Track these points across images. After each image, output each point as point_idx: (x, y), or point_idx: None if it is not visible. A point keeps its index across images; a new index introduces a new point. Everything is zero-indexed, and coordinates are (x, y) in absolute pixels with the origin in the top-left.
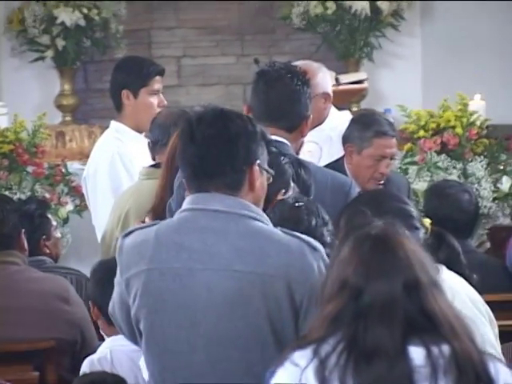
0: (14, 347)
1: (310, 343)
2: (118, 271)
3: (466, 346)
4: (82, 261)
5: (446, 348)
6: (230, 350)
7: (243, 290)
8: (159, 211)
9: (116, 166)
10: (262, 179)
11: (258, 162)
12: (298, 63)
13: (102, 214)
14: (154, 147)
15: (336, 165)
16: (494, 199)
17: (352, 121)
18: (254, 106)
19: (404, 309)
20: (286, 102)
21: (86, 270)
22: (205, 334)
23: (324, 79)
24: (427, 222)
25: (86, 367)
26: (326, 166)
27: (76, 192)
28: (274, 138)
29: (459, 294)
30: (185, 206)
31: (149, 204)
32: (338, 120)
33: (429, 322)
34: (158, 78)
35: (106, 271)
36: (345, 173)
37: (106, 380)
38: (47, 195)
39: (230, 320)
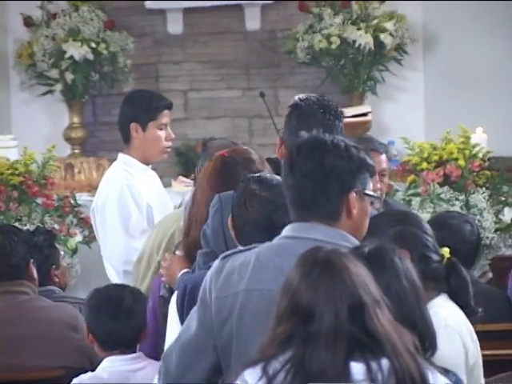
0: (24, 376)
1: (260, 361)
2: (204, 294)
3: (406, 360)
4: (90, 291)
5: (385, 363)
6: None
7: None
8: (189, 245)
9: (125, 197)
10: (362, 205)
11: (355, 189)
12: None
13: (110, 245)
14: None
15: None
16: (496, 230)
17: None
18: (288, 141)
19: (348, 331)
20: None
21: None
22: None
23: None
24: (446, 251)
25: None
26: None
27: (85, 223)
28: None
29: (452, 327)
30: (286, 233)
31: None
32: None
33: (372, 340)
34: (166, 112)
35: (101, 298)
36: None
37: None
38: (56, 226)
39: None
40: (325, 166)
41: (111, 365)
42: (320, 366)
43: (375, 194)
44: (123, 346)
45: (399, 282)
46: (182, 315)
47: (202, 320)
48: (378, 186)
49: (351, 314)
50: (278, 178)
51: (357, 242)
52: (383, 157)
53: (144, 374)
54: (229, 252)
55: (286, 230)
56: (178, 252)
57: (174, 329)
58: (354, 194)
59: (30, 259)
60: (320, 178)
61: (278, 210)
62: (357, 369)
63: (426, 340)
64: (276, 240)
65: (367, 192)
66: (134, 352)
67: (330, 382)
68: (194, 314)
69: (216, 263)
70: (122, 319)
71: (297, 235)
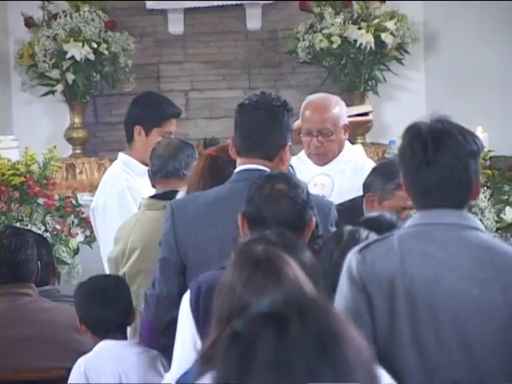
0: (26, 376)
1: (209, 370)
2: (351, 283)
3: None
4: None
5: None
6: (476, 352)
7: (487, 297)
8: None
9: (126, 199)
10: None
11: (477, 179)
12: (316, 96)
13: (110, 246)
14: (154, 177)
15: (353, 203)
16: (497, 229)
17: (374, 170)
18: (235, 139)
19: None
20: (260, 133)
21: None
22: (451, 338)
23: (343, 111)
24: None
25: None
26: (343, 203)
27: (86, 223)
28: (253, 166)
29: None
30: (417, 221)
31: (151, 235)
32: (351, 154)
33: None
34: (173, 120)
35: (88, 290)
36: (362, 213)
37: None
38: (58, 226)
39: (477, 325)
40: (460, 156)
41: (105, 346)
42: None
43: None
44: (114, 330)
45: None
46: (198, 315)
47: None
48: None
49: None
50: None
51: (481, 224)
52: None
53: (138, 359)
54: (364, 244)
55: (416, 218)
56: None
57: (186, 326)
58: (477, 183)
59: (38, 262)
60: (458, 170)
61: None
62: None
63: None
64: (407, 228)
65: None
66: (125, 335)
67: None
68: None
69: (355, 255)
70: (109, 305)
71: (429, 221)
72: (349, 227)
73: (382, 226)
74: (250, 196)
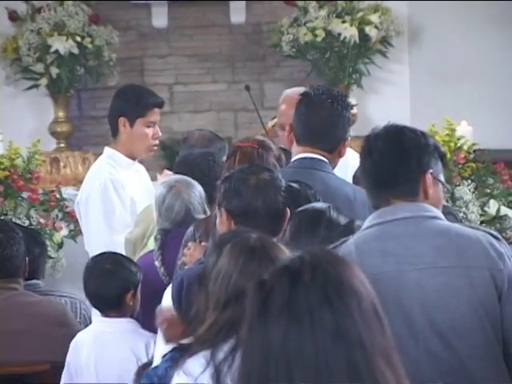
0: (11, 370)
1: (202, 350)
2: None
3: None
4: (76, 285)
5: None
6: (451, 338)
7: (451, 283)
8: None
9: (109, 192)
10: (436, 189)
11: (431, 171)
12: (293, 90)
13: (94, 239)
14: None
15: None
16: (482, 222)
17: None
18: (296, 127)
19: None
20: (325, 126)
21: (81, 294)
22: (424, 328)
23: None
24: None
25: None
26: None
27: (70, 217)
28: (315, 156)
29: None
30: (373, 221)
31: None
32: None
33: None
34: (156, 110)
35: (88, 268)
36: None
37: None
38: (42, 220)
39: (445, 312)
40: (404, 145)
41: (94, 323)
42: None
43: (446, 184)
44: (108, 307)
45: None
46: (180, 308)
47: None
48: None
49: None
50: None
51: (439, 212)
52: None
53: (117, 341)
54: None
55: (372, 218)
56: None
57: None
58: (430, 176)
59: (26, 257)
60: (399, 157)
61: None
62: None
63: None
64: (365, 230)
65: (440, 179)
66: (121, 312)
67: None
68: None
69: None
70: (105, 281)
71: (384, 220)
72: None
73: (298, 199)
74: (236, 190)
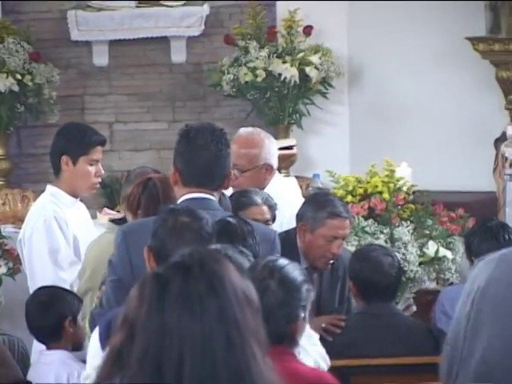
0: None
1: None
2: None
3: None
4: (14, 323)
5: None
6: None
7: None
8: None
9: (52, 229)
10: None
11: None
12: (245, 130)
13: (39, 277)
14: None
15: (287, 235)
16: (420, 263)
17: (306, 200)
18: (181, 169)
19: None
20: (211, 168)
21: (19, 332)
22: None
23: (268, 151)
24: None
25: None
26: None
27: (9, 255)
28: (202, 195)
29: None
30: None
31: (105, 256)
32: (283, 187)
33: None
34: (98, 148)
35: (32, 299)
36: (296, 245)
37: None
38: None
39: None
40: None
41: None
42: None
43: None
44: (48, 336)
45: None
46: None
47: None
48: (338, 250)
49: None
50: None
51: None
52: (347, 222)
53: (48, 369)
54: None
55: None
56: None
57: (93, 362)
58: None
59: None
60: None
61: None
62: None
63: None
64: None
65: None
66: (59, 344)
67: None
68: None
69: None
70: (41, 313)
71: None
72: (268, 258)
73: (232, 234)
74: (154, 229)
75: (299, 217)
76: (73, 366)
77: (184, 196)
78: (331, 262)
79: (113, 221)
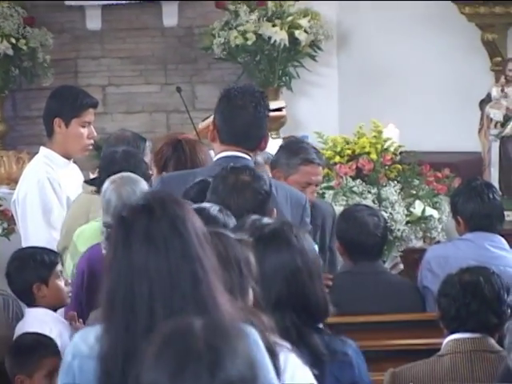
0: None
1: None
2: None
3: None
4: None
5: None
6: None
7: None
8: None
9: (46, 190)
10: None
11: None
12: None
13: (32, 237)
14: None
15: None
16: (407, 223)
17: (280, 147)
18: (219, 127)
19: None
20: (249, 128)
21: None
22: None
23: None
24: None
25: None
26: None
27: (4, 216)
28: (238, 154)
29: None
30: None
31: (77, 215)
32: (272, 149)
33: None
34: (90, 110)
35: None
36: None
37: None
38: None
39: None
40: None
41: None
42: None
43: None
44: (21, 300)
45: (293, 261)
46: None
47: None
48: (311, 196)
49: None
50: None
51: None
52: (320, 168)
53: (27, 325)
54: None
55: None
56: None
57: None
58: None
59: None
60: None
61: None
62: None
63: (317, 313)
64: None
65: None
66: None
67: None
68: None
69: None
70: (12, 278)
71: None
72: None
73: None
74: (214, 187)
75: (273, 164)
76: (49, 324)
77: (220, 153)
78: None
79: (86, 181)
